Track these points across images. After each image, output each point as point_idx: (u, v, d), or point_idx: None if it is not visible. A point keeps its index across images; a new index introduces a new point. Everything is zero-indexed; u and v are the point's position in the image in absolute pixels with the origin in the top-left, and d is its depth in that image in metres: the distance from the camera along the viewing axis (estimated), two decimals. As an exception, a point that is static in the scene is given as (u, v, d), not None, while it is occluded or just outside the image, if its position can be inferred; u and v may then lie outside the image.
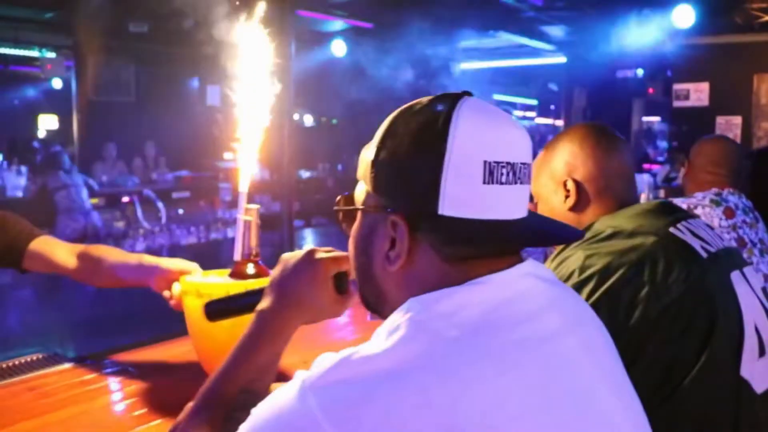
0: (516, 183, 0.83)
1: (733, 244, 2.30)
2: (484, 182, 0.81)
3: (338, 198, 1.01)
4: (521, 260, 0.87)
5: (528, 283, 0.84)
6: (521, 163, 0.84)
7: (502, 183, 0.82)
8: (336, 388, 0.74)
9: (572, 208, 1.41)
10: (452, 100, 0.85)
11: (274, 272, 1.06)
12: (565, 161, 1.42)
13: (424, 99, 0.89)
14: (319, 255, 1.05)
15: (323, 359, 0.78)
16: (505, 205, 0.83)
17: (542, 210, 1.50)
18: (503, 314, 0.79)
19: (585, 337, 0.86)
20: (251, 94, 1.49)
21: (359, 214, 0.93)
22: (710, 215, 2.35)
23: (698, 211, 2.36)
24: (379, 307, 0.93)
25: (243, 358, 1.01)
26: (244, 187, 1.50)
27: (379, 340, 0.77)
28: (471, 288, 0.80)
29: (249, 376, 0.99)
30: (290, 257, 1.06)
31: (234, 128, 1.50)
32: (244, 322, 1.06)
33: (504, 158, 0.82)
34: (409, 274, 0.86)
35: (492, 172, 0.81)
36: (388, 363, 0.73)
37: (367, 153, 0.90)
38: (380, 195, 0.87)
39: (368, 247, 0.90)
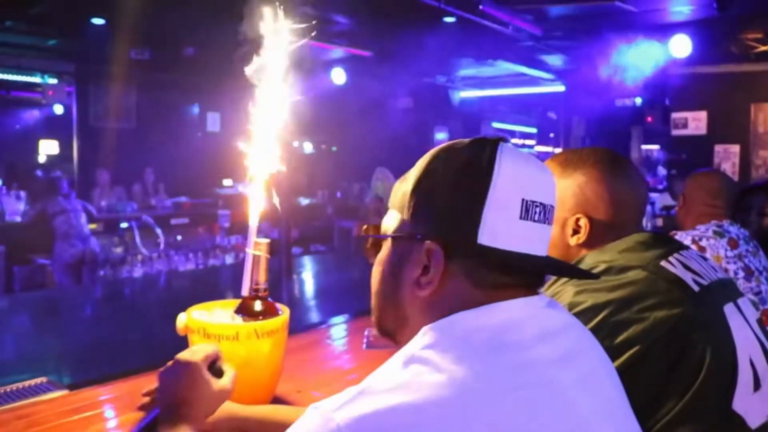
0: (545, 223, 0.92)
1: (741, 273, 2.29)
2: (520, 218, 0.89)
3: (365, 227, 1.12)
4: (536, 294, 0.93)
5: (533, 312, 0.90)
6: (551, 206, 0.93)
7: (534, 220, 0.90)
8: (358, 419, 0.75)
9: (579, 244, 1.37)
10: (493, 142, 0.92)
11: (159, 393, 1.14)
12: (586, 197, 1.36)
13: (464, 140, 0.95)
14: (185, 358, 1.14)
15: (343, 391, 0.81)
16: (534, 241, 0.91)
17: None
18: (509, 339, 0.84)
19: (585, 368, 0.90)
20: (262, 125, 1.47)
21: (389, 242, 0.98)
22: (715, 247, 2.35)
23: (703, 243, 2.36)
24: (397, 334, 0.98)
25: None
26: (254, 220, 1.47)
27: (397, 371, 0.81)
28: (479, 312, 0.87)
29: None
30: (164, 373, 1.14)
31: (241, 157, 1.47)
32: (254, 360, 1.09)
33: (538, 198, 0.90)
34: (437, 298, 0.91)
35: (528, 210, 0.89)
36: (408, 396, 0.76)
37: (405, 185, 0.96)
38: (418, 223, 0.92)
39: (398, 273, 0.95)
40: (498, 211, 0.88)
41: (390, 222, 0.99)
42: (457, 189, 0.90)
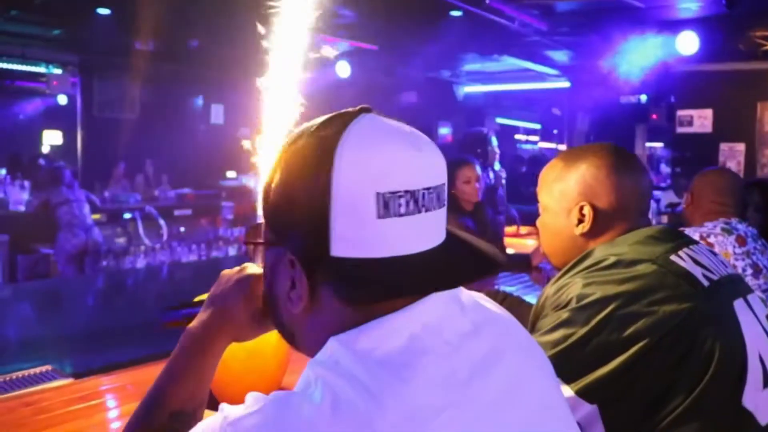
0: (420, 212, 0.74)
1: (749, 270, 2.30)
2: (378, 217, 0.71)
3: (250, 227, 0.94)
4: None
5: (445, 312, 0.77)
6: (424, 189, 0.74)
7: (400, 215, 0.72)
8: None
9: (584, 234, 1.37)
10: (344, 121, 0.76)
11: (212, 288, 1.01)
12: (588, 185, 1.36)
13: (319, 119, 0.79)
14: (250, 270, 0.98)
15: (250, 397, 0.72)
16: (406, 238, 0.73)
17: (545, 222, 1.45)
18: (424, 347, 0.72)
19: (516, 362, 0.79)
20: (269, 113, 1.46)
21: (262, 248, 0.86)
22: (724, 243, 2.36)
23: (711, 239, 2.37)
24: (296, 345, 0.85)
25: (172, 380, 0.95)
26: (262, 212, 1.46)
27: (305, 389, 0.70)
28: (384, 322, 0.73)
29: (179, 399, 0.94)
30: (227, 273, 1.01)
31: (250, 149, 1.47)
32: (261, 350, 1.05)
33: (401, 187, 0.72)
34: (314, 317, 0.77)
35: (387, 205, 0.72)
36: (312, 415, 0.66)
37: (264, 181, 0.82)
38: (274, 230, 0.80)
39: (272, 285, 0.83)
40: (347, 214, 0.71)
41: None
42: (299, 190, 0.74)
